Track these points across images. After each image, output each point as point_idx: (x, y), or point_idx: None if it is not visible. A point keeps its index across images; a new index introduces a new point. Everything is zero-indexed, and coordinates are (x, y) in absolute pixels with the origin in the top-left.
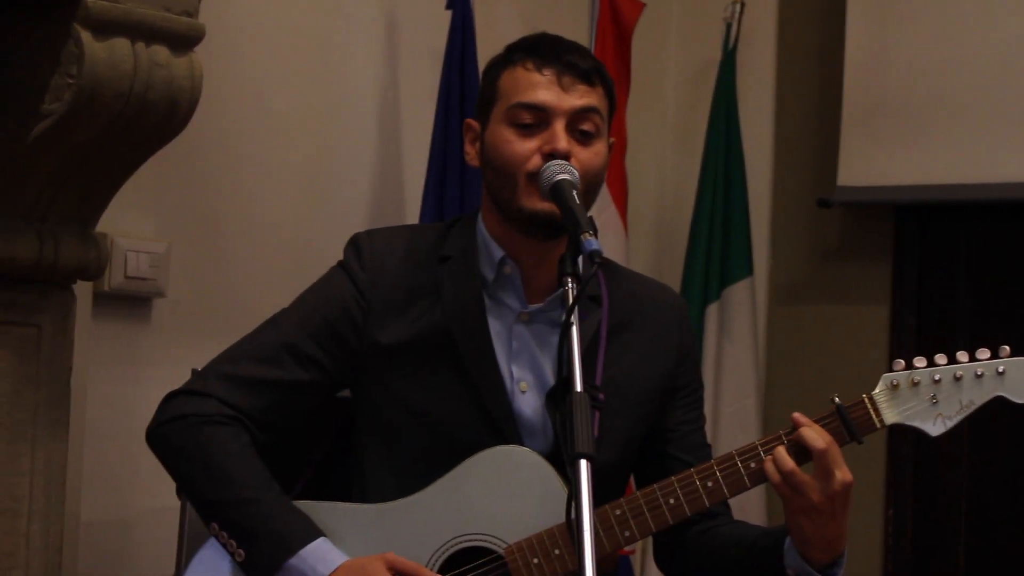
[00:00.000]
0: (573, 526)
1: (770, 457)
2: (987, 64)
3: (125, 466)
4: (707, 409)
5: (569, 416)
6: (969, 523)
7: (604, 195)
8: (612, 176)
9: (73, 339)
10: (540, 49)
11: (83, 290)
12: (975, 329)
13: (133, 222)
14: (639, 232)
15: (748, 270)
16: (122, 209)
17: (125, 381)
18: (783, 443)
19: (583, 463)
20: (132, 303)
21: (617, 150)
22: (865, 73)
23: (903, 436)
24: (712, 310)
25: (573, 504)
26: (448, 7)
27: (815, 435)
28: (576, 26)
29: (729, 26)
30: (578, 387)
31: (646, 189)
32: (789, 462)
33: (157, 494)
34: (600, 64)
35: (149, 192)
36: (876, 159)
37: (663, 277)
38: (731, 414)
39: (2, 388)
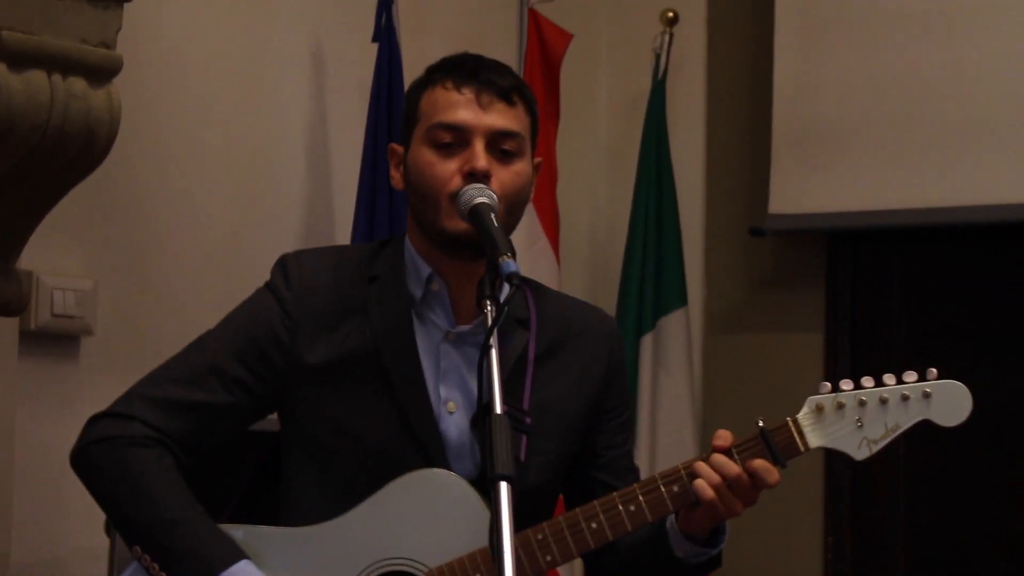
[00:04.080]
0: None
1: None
2: (914, 89)
3: (55, 505)
4: (644, 440)
5: (489, 438)
6: (908, 547)
7: (535, 226)
8: (543, 207)
9: None
10: (459, 68)
11: (9, 328)
12: (910, 353)
13: (59, 259)
14: (572, 262)
15: (682, 300)
16: (48, 246)
17: (54, 420)
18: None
19: (503, 485)
20: (59, 341)
21: (548, 181)
22: (794, 100)
23: (840, 461)
24: (647, 340)
25: (491, 527)
26: (374, 40)
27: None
28: (504, 56)
29: (658, 56)
30: (497, 409)
31: (579, 220)
32: (733, 467)
33: (88, 533)
34: (521, 81)
35: (75, 228)
36: (807, 186)
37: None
38: (668, 444)
39: None
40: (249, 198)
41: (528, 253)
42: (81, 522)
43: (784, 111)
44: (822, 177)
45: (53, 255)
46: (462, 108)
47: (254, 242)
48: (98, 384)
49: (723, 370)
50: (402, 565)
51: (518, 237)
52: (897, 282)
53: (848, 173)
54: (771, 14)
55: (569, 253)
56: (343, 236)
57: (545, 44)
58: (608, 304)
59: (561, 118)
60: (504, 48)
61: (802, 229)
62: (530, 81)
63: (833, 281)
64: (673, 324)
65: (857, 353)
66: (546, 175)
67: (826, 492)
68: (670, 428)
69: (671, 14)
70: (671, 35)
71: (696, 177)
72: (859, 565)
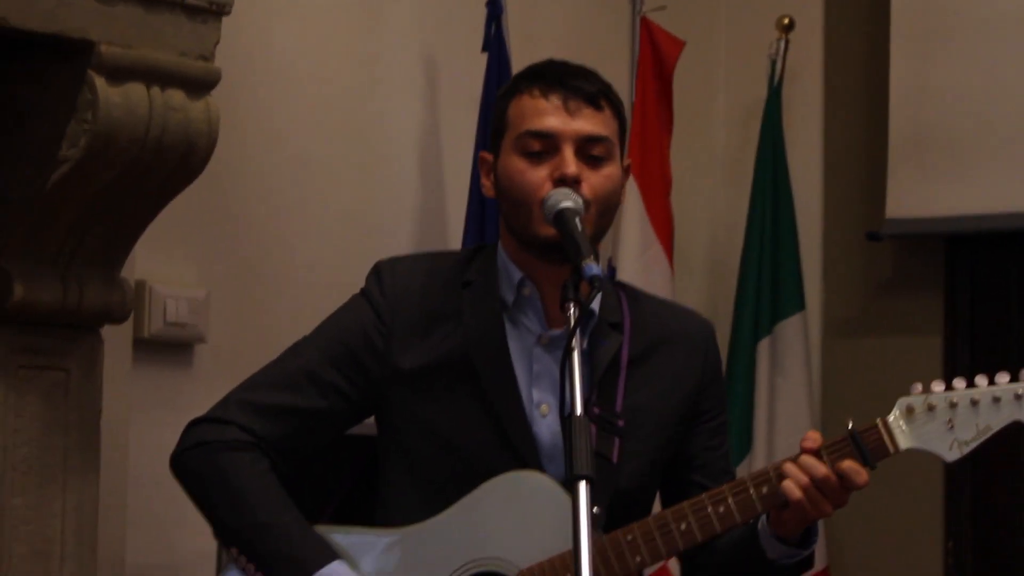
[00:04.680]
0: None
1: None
2: None
3: (168, 510)
4: (761, 445)
5: (568, 440)
6: None
7: (648, 232)
8: (656, 213)
9: (102, 383)
10: (545, 75)
11: (123, 336)
12: None
13: (172, 268)
14: (688, 269)
15: (800, 305)
16: (161, 256)
17: (167, 426)
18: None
19: (582, 485)
20: (173, 349)
21: (661, 187)
22: (911, 105)
23: (962, 465)
24: (764, 345)
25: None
26: (484, 50)
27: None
28: (616, 65)
29: (774, 62)
30: (578, 411)
31: (695, 226)
32: (821, 467)
33: (200, 538)
34: (607, 85)
35: (188, 239)
36: (924, 190)
37: (715, 314)
38: (787, 449)
39: (31, 432)
40: (360, 208)
41: (640, 260)
42: (193, 527)
43: (901, 115)
44: (939, 181)
45: (166, 264)
46: (550, 115)
47: (364, 251)
48: (210, 391)
49: (841, 375)
50: (494, 565)
51: (629, 244)
52: (1015, 285)
53: (965, 177)
54: (887, 19)
55: (685, 259)
56: (454, 245)
57: (658, 52)
58: (725, 310)
59: (676, 125)
60: (616, 57)
61: (920, 233)
62: (642, 89)
63: (951, 285)
64: (790, 329)
65: (976, 357)
66: (659, 182)
67: (946, 495)
68: (788, 433)
69: (787, 20)
70: (787, 41)
71: (813, 182)
72: (980, 570)
